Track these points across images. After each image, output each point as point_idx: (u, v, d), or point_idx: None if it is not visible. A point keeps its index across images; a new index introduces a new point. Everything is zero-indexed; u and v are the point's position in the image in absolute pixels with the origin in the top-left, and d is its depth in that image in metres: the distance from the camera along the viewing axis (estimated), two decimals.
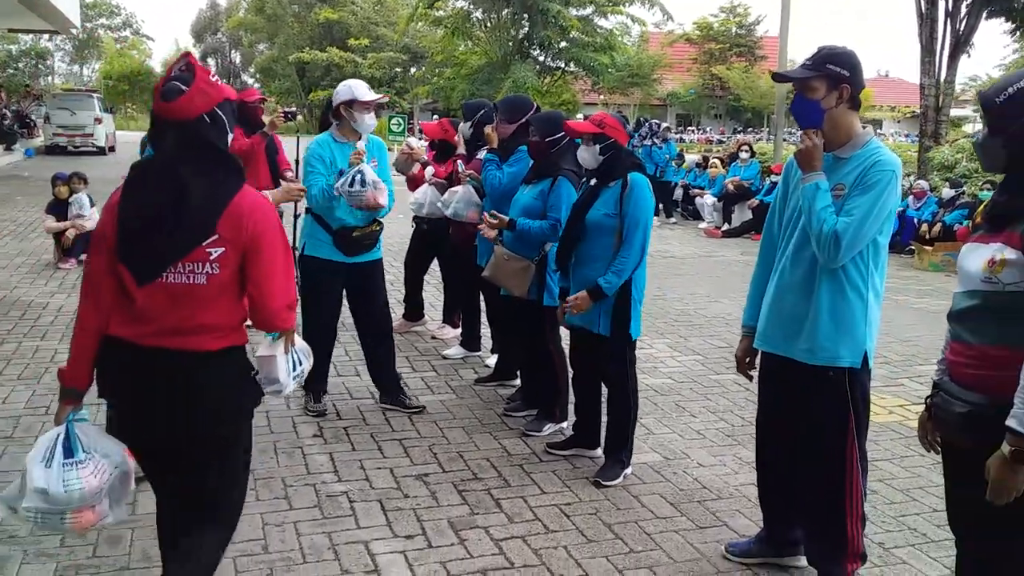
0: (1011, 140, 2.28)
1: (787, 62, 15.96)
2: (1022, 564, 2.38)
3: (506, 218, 4.39)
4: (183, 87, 2.27)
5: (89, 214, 9.05)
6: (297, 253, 4.48)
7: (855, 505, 2.95)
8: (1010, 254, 2.25)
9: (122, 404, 2.36)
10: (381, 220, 4.68)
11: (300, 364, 2.55)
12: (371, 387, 4.97)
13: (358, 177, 4.36)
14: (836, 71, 2.80)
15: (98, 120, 24.27)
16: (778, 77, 3.07)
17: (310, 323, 4.62)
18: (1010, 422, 2.17)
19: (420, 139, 8.51)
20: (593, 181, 3.94)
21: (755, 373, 3.24)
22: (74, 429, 2.31)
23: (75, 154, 23.13)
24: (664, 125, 16.50)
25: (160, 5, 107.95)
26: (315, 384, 4.73)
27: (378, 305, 4.78)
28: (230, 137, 2.41)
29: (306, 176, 4.53)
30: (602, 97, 41.42)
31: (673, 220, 15.02)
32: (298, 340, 2.55)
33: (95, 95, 26.63)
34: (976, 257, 2.36)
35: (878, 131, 37.47)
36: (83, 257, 8.77)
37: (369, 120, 4.56)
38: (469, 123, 5.42)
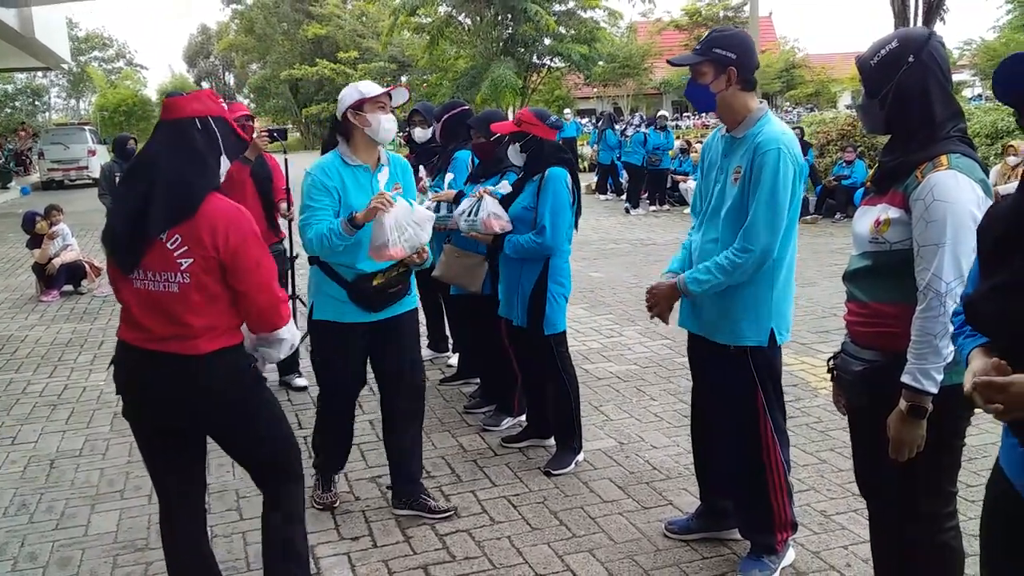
0: (887, 101, 2.32)
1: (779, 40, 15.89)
2: (927, 524, 2.41)
3: (490, 236, 4.00)
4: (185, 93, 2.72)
5: (73, 243, 9.17)
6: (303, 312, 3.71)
7: (776, 477, 2.97)
8: (893, 213, 2.29)
9: (133, 396, 2.56)
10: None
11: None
12: None
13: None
14: (722, 54, 2.81)
15: (91, 152, 24.43)
16: (672, 63, 3.11)
17: (325, 397, 3.68)
18: (905, 378, 2.21)
19: None
20: (521, 175, 4.02)
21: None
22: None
23: (71, 188, 23.30)
24: (660, 113, 16.53)
25: (151, 34, 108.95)
26: (330, 465, 3.83)
27: (408, 371, 3.64)
28: (223, 160, 2.55)
29: (303, 211, 3.40)
30: (595, 90, 41.35)
31: (667, 207, 15.05)
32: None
33: (87, 128, 26.88)
34: (865, 220, 2.39)
35: None
36: (66, 288, 8.89)
37: (387, 123, 3.43)
38: (429, 127, 5.47)
